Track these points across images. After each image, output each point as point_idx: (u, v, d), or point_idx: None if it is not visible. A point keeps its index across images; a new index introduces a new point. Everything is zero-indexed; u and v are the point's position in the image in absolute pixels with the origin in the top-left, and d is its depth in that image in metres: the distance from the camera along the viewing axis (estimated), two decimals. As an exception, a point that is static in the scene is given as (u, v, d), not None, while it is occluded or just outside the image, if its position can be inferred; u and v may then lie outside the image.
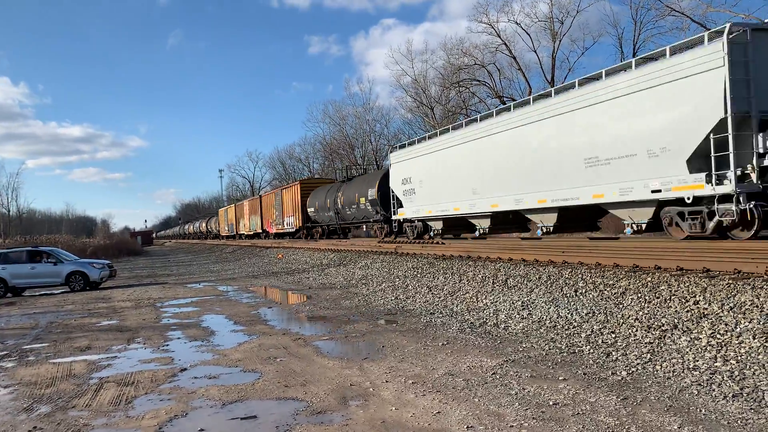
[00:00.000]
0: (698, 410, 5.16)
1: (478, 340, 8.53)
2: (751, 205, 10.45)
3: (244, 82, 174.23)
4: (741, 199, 10.55)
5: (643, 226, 13.12)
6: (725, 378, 5.76)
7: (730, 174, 10.60)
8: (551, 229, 16.20)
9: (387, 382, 6.67)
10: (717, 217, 11.17)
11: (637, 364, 6.57)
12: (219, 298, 16.71)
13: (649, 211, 12.83)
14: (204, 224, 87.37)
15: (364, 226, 32.33)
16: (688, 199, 11.51)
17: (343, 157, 67.22)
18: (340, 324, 10.82)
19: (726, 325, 7.04)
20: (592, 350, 7.33)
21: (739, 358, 6.17)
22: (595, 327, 8.22)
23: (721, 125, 10.62)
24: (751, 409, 5.07)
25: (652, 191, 12.19)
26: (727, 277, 8.45)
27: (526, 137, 16.20)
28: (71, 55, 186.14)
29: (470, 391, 6.12)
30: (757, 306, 7.19)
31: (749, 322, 6.88)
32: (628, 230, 13.52)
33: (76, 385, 7.52)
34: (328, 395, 6.31)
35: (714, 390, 5.54)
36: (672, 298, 8.34)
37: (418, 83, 51.81)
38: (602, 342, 7.58)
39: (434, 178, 21.67)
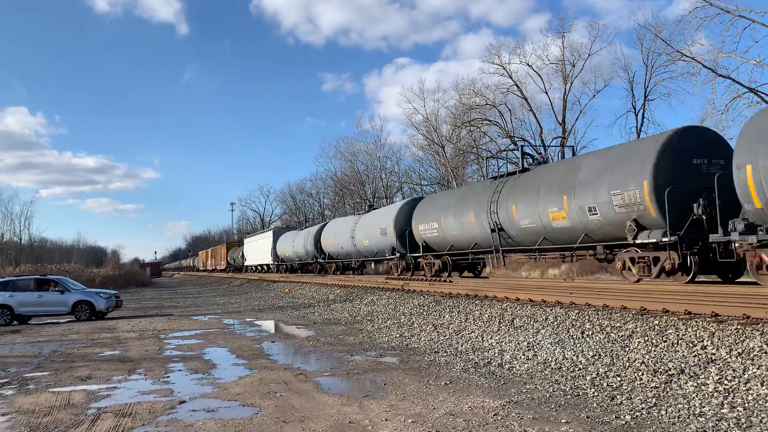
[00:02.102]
0: (703, 458, 5.02)
1: (481, 381, 8.41)
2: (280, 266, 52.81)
3: (258, 117, 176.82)
4: (277, 263, 52.19)
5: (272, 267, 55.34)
6: (732, 425, 5.62)
7: (274, 258, 53.08)
8: (275, 269, 53.33)
9: (386, 420, 6.56)
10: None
11: (642, 408, 6.43)
12: (223, 331, 16.63)
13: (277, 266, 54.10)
14: (192, 261, 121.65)
15: (245, 269, 66.68)
16: (274, 263, 53.49)
17: (354, 193, 67.53)
18: (342, 360, 10.71)
19: (734, 371, 6.91)
20: (596, 393, 7.19)
21: (747, 405, 6.04)
22: (600, 369, 8.09)
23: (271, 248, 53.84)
24: (758, 458, 4.93)
25: (272, 261, 53.85)
26: (735, 322, 8.33)
27: (259, 242, 59.90)
28: (88, 86, 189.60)
29: None
30: (765, 352, 7.07)
31: (757, 369, 6.75)
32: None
33: (73, 415, 7.45)
34: (326, 432, 6.21)
35: (720, 438, 5.40)
36: (679, 342, 8.21)
37: (430, 122, 52.32)
38: (607, 385, 7.45)
39: (249, 250, 63.70)
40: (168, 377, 9.84)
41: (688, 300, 10.06)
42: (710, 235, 12.86)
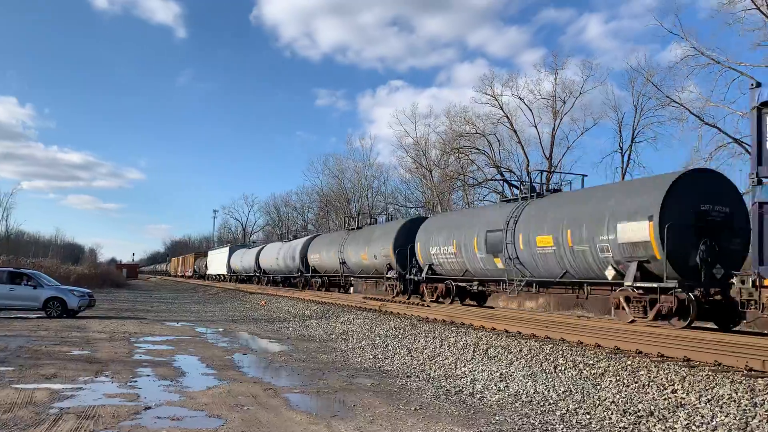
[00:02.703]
0: (667, 503, 5.02)
1: (451, 408, 8.36)
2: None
3: (249, 127, 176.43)
4: (230, 274, 62.54)
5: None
6: (697, 472, 5.63)
7: (228, 270, 63.48)
8: (229, 279, 63.91)
9: (353, 442, 6.50)
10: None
11: (610, 448, 6.43)
12: (195, 339, 16.43)
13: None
14: (166, 266, 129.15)
15: (207, 276, 73.82)
16: (228, 273, 64.02)
17: (339, 210, 67.48)
18: (313, 378, 10.62)
19: (702, 417, 6.95)
20: (565, 429, 7.18)
21: (713, 452, 6.06)
22: (570, 406, 8.09)
23: (227, 261, 64.63)
24: (720, 506, 4.94)
25: (226, 272, 63.60)
26: (707, 369, 8.40)
27: (219, 256, 68.91)
28: (81, 82, 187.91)
29: (437, 459, 5.95)
30: (734, 400, 7.12)
31: (726, 416, 6.79)
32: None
33: (34, 413, 7.29)
34: (292, 450, 6.13)
35: (685, 483, 5.41)
36: (650, 384, 8.25)
37: (419, 145, 52.61)
38: (576, 422, 7.44)
39: (211, 261, 73.08)
40: (135, 382, 9.69)
41: (662, 343, 10.13)
42: (405, 275, 25.22)
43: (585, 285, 16.12)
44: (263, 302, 30.28)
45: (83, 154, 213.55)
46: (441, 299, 23.04)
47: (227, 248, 65.06)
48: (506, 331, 13.29)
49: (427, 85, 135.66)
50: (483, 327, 14.17)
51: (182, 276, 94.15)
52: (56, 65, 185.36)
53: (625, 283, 14.00)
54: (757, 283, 9.76)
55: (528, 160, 43.76)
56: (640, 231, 13.61)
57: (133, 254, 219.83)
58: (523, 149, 43.97)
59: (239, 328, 19.85)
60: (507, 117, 43.39)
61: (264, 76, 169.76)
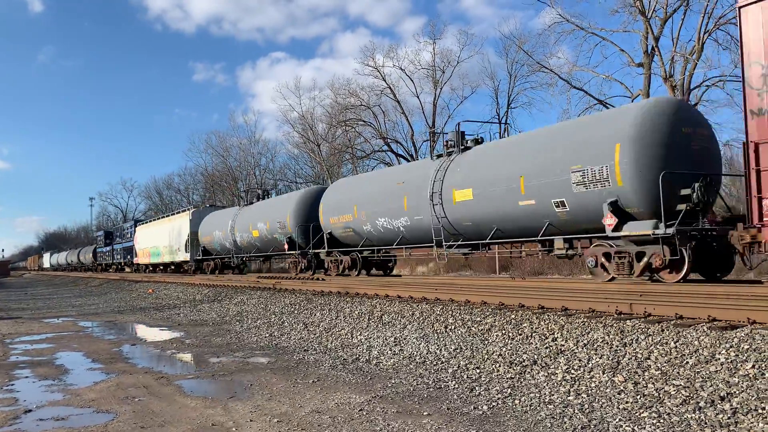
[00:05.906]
0: (550, 442, 5.39)
1: (348, 377, 8.50)
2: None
3: (122, 106, 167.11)
4: (54, 265, 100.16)
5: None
6: (576, 411, 6.08)
7: (54, 263, 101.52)
8: (53, 269, 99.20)
9: (251, 421, 6.46)
10: None
11: (498, 398, 6.80)
12: (78, 334, 15.56)
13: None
14: (26, 263, 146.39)
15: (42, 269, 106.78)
16: (53, 265, 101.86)
17: (225, 189, 65.79)
18: (208, 362, 10.40)
19: (580, 360, 7.48)
20: (457, 385, 7.51)
21: (590, 391, 6.56)
22: (461, 362, 8.45)
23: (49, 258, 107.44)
24: (597, 439, 5.37)
25: (50, 265, 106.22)
26: (582, 316, 9.02)
27: (46, 256, 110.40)
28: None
29: (336, 428, 6.05)
30: (607, 342, 7.71)
31: (600, 358, 7.35)
32: None
33: None
34: (187, 436, 6.00)
35: (566, 422, 5.83)
36: (533, 335, 8.77)
37: (306, 119, 52.08)
38: (467, 377, 7.80)
39: (45, 259, 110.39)
40: (13, 385, 9.06)
41: (541, 295, 10.76)
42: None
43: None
44: (150, 290, 29.13)
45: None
46: (347, 272, 22.12)
47: (49, 252, 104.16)
48: (399, 297, 13.61)
49: (309, 57, 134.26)
50: (377, 295, 14.42)
51: (36, 270, 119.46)
52: None
53: None
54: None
55: (413, 130, 44.61)
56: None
57: (2, 251, 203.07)
58: (407, 119, 44.75)
59: (126, 319, 19.02)
60: (390, 88, 43.89)
61: (135, 52, 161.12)
